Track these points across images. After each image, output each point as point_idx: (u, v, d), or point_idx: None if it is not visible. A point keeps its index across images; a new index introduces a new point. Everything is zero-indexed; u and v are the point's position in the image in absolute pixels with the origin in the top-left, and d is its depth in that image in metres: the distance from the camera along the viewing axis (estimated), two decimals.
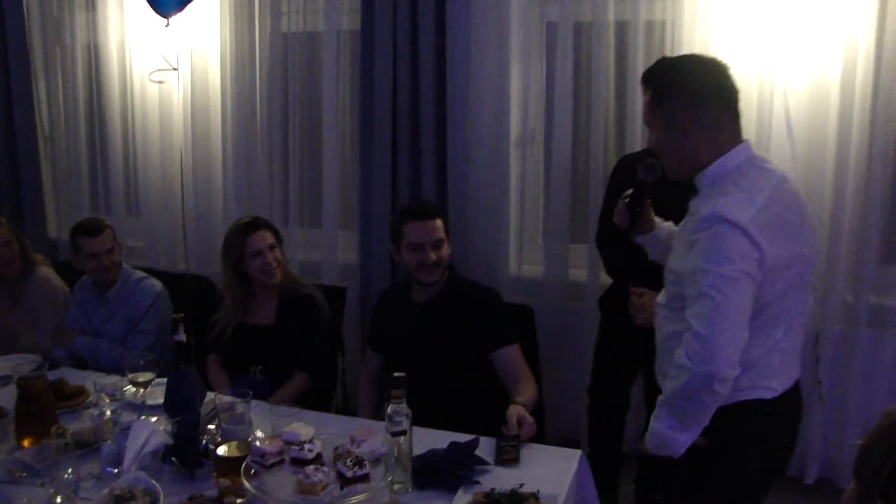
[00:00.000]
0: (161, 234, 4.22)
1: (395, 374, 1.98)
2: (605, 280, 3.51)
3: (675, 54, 3.18)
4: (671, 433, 1.87)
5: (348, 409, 3.09)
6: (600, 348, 3.19)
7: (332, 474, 1.83)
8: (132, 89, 4.18)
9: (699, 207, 1.85)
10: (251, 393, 2.21)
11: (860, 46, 3.07)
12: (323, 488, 1.79)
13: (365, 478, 1.82)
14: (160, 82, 3.89)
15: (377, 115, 3.67)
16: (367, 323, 3.70)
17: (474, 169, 3.67)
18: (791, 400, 1.99)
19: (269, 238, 2.93)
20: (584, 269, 3.58)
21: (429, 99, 3.58)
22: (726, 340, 1.75)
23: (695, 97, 1.86)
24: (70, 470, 2.02)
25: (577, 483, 2.13)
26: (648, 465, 3.12)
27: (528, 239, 3.81)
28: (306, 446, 1.89)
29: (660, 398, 1.89)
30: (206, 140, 4.10)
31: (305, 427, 2.00)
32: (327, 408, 3.04)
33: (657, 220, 2.25)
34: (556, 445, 2.31)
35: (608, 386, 3.13)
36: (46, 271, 3.40)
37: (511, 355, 2.64)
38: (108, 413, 2.40)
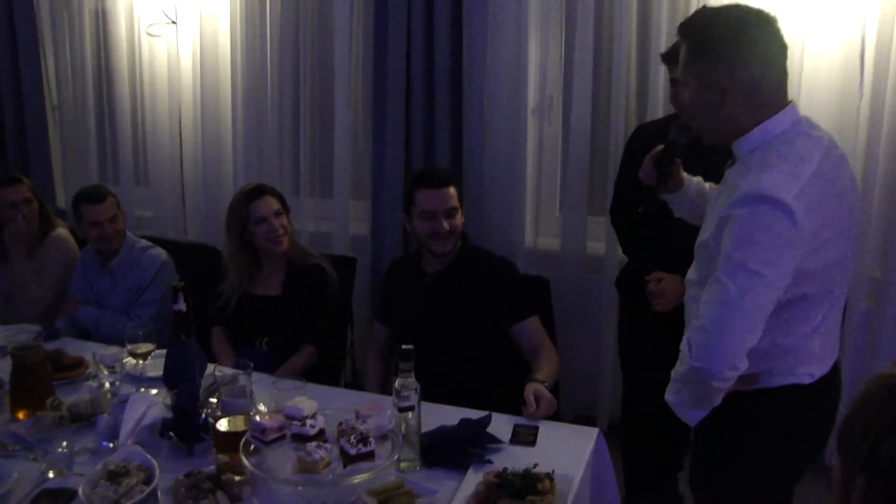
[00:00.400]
0: (169, 204, 4.13)
1: (404, 347, 1.88)
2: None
3: None
4: (683, 408, 1.76)
5: (357, 384, 3.00)
6: (624, 334, 3.01)
7: (335, 451, 1.74)
8: (141, 56, 4.09)
9: (737, 180, 1.66)
10: (252, 365, 2.11)
11: None
12: (325, 466, 1.70)
13: (369, 455, 1.72)
14: (157, 36, 3.78)
15: (390, 82, 3.54)
16: (377, 295, 3.61)
17: (490, 138, 3.54)
18: (830, 383, 1.85)
19: (274, 204, 2.83)
20: (603, 242, 3.46)
21: (444, 65, 3.46)
22: (730, 341, 1.60)
23: (735, 54, 1.65)
24: (64, 444, 1.96)
25: (593, 463, 2.03)
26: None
27: (545, 211, 3.70)
28: (308, 422, 1.80)
29: (673, 370, 1.77)
30: (216, 108, 4.00)
31: (308, 402, 1.91)
32: (335, 382, 2.95)
33: (685, 176, 2.08)
34: (570, 422, 2.22)
35: (645, 377, 2.95)
36: (64, 233, 3.38)
37: (531, 328, 2.54)
38: (107, 385, 2.32)
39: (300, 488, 1.75)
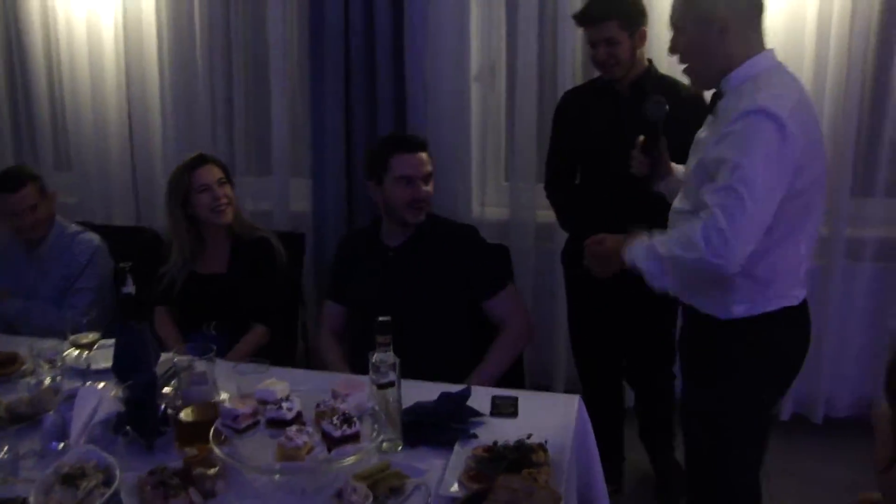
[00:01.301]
0: (95, 189, 3.87)
1: (381, 319, 1.76)
2: None
3: None
4: (656, 276, 1.84)
5: (312, 366, 2.85)
6: (573, 309, 2.96)
7: (317, 435, 1.61)
8: (56, 30, 3.80)
9: (731, 106, 1.78)
10: (214, 348, 1.96)
11: None
12: (308, 451, 1.57)
13: (355, 437, 1.61)
14: None
15: (329, 53, 3.37)
16: (322, 273, 3.46)
17: (433, 108, 3.41)
18: (807, 307, 1.99)
19: (217, 172, 2.69)
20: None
21: (385, 35, 3.31)
22: (744, 241, 1.72)
23: None
24: (6, 448, 1.78)
25: (578, 430, 1.96)
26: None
27: (492, 180, 3.62)
28: (284, 405, 1.67)
29: (659, 241, 1.83)
30: (142, 86, 3.74)
31: (280, 383, 1.78)
32: (290, 364, 2.80)
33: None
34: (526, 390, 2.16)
35: (595, 346, 2.92)
36: None
37: (504, 300, 2.47)
38: (48, 381, 2.12)
39: (278, 478, 1.62)
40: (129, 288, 1.99)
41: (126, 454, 1.81)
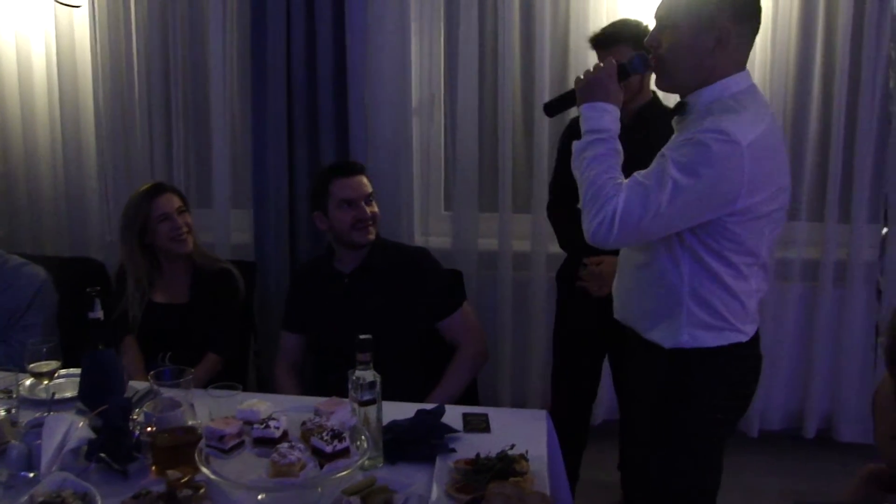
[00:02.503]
0: (23, 220, 3.75)
1: (361, 337, 1.79)
2: (521, 247, 3.48)
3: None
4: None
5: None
6: (561, 326, 3.00)
7: (308, 452, 1.62)
8: None
9: (696, 125, 1.71)
10: (192, 371, 1.93)
11: None
12: (301, 468, 1.57)
13: (345, 452, 1.62)
14: (76, 6, 3.42)
15: (270, 85, 3.38)
16: (267, 303, 3.45)
17: (374, 139, 3.48)
18: (757, 345, 1.93)
19: (176, 201, 2.67)
20: (495, 237, 3.49)
21: (326, 67, 3.35)
22: (627, 233, 1.69)
23: (740, 9, 1.73)
24: None
25: (549, 443, 2.02)
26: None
27: (434, 209, 3.68)
28: (271, 423, 1.67)
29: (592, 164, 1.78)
30: (76, 114, 3.65)
31: (263, 403, 1.77)
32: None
33: None
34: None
35: (575, 365, 2.94)
36: None
37: (458, 320, 2.51)
38: (2, 412, 2.05)
39: (263, 497, 1.62)
40: (97, 313, 1.96)
41: (100, 482, 1.76)
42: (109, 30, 3.56)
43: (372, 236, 2.52)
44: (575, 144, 1.84)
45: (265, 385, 3.04)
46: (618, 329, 2.05)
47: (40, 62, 3.63)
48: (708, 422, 1.89)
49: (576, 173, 1.82)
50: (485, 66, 3.47)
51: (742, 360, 1.88)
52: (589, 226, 1.72)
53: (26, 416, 2.03)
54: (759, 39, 3.05)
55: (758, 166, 1.66)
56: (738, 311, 1.81)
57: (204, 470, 1.59)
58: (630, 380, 2.14)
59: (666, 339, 1.84)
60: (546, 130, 3.37)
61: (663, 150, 1.76)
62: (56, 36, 3.58)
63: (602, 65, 1.84)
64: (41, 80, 3.64)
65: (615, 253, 2.05)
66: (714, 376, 1.85)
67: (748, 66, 1.81)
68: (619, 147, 1.81)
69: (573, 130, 2.88)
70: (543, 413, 2.11)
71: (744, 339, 1.85)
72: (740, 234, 1.73)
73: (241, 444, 1.68)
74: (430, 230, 3.65)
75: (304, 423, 1.72)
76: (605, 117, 1.80)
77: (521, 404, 3.60)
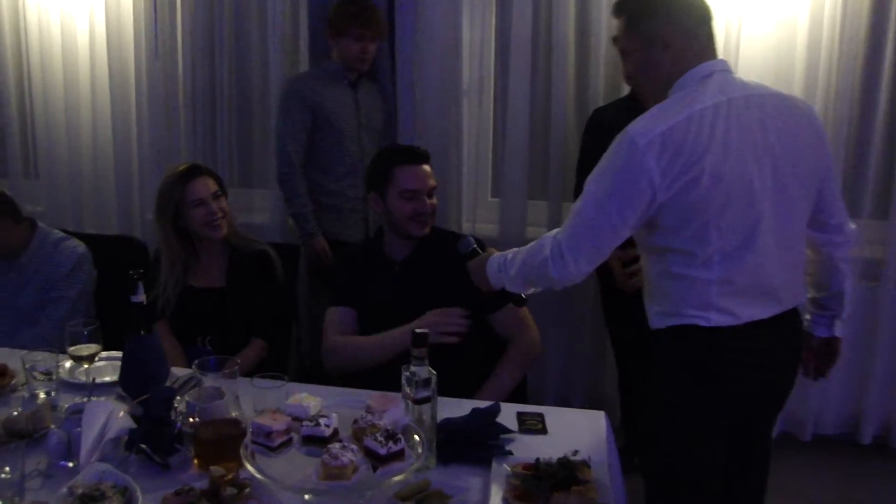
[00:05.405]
0: (66, 196, 3.72)
1: (417, 331, 1.69)
2: None
3: None
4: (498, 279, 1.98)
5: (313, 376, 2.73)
6: (610, 316, 3.03)
7: (360, 453, 1.53)
8: (27, 33, 3.65)
9: None
10: (239, 361, 1.85)
11: None
12: (353, 471, 1.48)
13: (400, 454, 1.52)
14: None
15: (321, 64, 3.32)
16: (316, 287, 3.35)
17: (423, 122, 3.39)
18: (746, 335, 1.79)
19: (211, 185, 2.55)
20: (545, 227, 3.37)
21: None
22: (578, 255, 1.77)
23: (671, 9, 1.81)
24: (8, 468, 1.63)
25: (609, 447, 1.91)
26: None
27: (482, 195, 3.58)
28: (322, 421, 1.57)
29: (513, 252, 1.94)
30: (121, 91, 3.61)
31: (312, 399, 1.68)
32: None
33: None
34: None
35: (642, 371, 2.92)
36: None
37: (513, 314, 2.39)
38: (42, 395, 1.99)
39: (309, 498, 1.53)
40: (140, 297, 1.87)
41: (139, 474, 1.69)
42: (156, 5, 3.51)
43: (427, 230, 2.40)
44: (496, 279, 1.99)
45: (307, 374, 2.97)
46: None
47: (84, 39, 3.60)
48: (670, 404, 1.86)
49: (512, 282, 1.95)
50: (538, 51, 3.35)
51: (707, 346, 1.79)
52: (553, 275, 1.80)
53: (66, 400, 1.99)
54: (825, 37, 3.02)
55: (666, 158, 1.67)
56: (694, 298, 1.77)
57: (250, 468, 1.50)
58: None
59: (652, 320, 1.89)
60: None
61: None
62: (105, 9, 3.53)
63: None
64: (85, 57, 3.61)
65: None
66: (671, 358, 1.84)
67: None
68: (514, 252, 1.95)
69: (597, 119, 2.92)
70: (601, 414, 2.01)
71: (702, 323, 1.77)
72: (675, 224, 1.74)
73: (289, 442, 1.59)
74: (478, 217, 3.56)
75: (355, 422, 1.62)
76: (502, 277, 1.97)
77: (566, 401, 3.51)
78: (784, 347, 1.90)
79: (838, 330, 2.06)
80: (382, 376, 2.05)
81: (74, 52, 3.60)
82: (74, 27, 3.58)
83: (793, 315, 1.89)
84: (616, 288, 2.79)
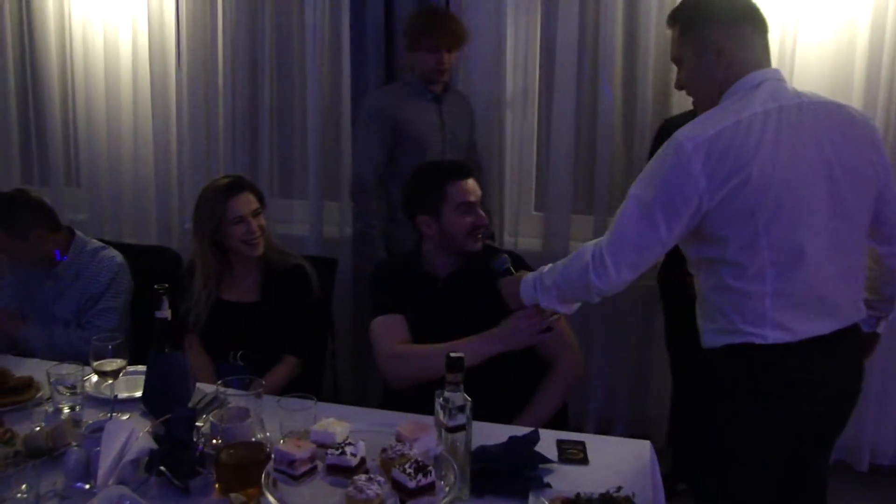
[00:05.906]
0: (107, 205, 3.72)
1: (452, 355, 1.58)
2: None
3: None
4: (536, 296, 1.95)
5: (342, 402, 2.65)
6: (671, 337, 2.97)
7: (388, 485, 1.43)
8: (72, 42, 3.66)
9: None
10: (263, 382, 1.77)
11: None
12: None
13: (430, 488, 1.42)
14: None
15: (367, 71, 3.30)
16: (358, 301, 3.30)
17: None
18: (802, 352, 1.71)
19: (253, 203, 2.49)
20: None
21: None
22: (619, 263, 1.73)
23: (725, 16, 1.78)
24: (25, 486, 1.58)
25: (654, 481, 1.79)
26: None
27: (525, 209, 3.48)
28: (348, 449, 1.48)
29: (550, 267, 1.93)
30: (163, 97, 3.60)
31: (340, 424, 1.59)
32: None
33: None
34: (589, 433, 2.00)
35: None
36: None
37: (556, 335, 2.26)
38: (66, 410, 1.94)
39: None
40: (164, 312, 1.81)
41: (158, 497, 1.63)
42: (196, 18, 3.50)
43: (480, 245, 2.31)
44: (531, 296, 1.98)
45: (342, 391, 2.88)
46: None
47: (126, 49, 3.60)
48: (724, 428, 1.77)
49: (546, 294, 1.94)
50: (584, 61, 3.25)
51: (763, 363, 1.71)
52: (594, 281, 1.77)
53: (91, 415, 1.93)
54: (888, 44, 2.85)
55: (714, 164, 1.64)
56: (748, 313, 1.69)
57: (270, 498, 1.42)
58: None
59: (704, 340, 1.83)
60: (647, 132, 3.16)
61: None
62: (148, 20, 3.54)
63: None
64: (127, 67, 3.61)
65: None
66: (725, 378, 1.76)
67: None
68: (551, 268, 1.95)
69: (669, 130, 2.75)
70: (647, 444, 1.88)
71: (757, 341, 1.69)
72: (725, 234, 1.68)
73: (313, 471, 1.50)
74: (520, 231, 3.47)
75: (384, 451, 1.53)
76: (536, 291, 1.96)
77: (608, 423, 3.38)
78: (843, 367, 1.82)
79: (881, 328, 2.00)
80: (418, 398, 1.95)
81: (117, 62, 3.60)
82: (117, 37, 3.59)
83: (852, 332, 1.80)
84: (685, 308, 2.66)
